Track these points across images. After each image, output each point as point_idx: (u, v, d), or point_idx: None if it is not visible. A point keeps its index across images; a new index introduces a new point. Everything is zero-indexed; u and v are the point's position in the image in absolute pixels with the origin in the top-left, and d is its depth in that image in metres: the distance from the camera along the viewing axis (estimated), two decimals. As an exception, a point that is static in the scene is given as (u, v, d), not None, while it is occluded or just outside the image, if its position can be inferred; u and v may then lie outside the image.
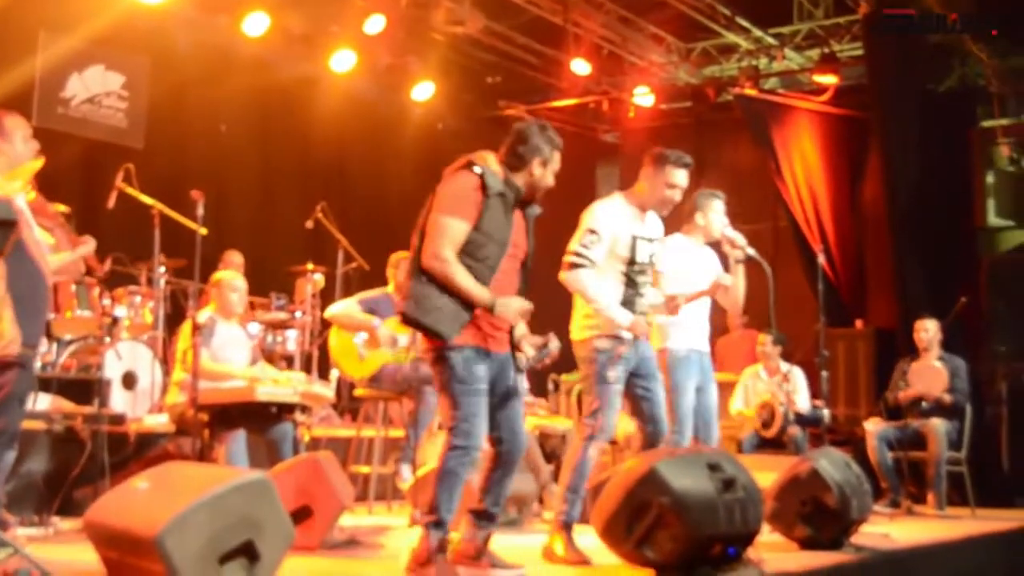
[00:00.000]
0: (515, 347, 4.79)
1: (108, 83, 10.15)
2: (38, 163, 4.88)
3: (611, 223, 5.38)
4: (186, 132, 10.50)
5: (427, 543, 4.48)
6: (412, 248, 4.65)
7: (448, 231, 4.49)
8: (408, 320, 4.57)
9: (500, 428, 4.72)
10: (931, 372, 8.69)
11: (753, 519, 4.91)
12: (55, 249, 5.28)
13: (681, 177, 5.52)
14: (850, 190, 11.51)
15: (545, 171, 4.72)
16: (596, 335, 5.38)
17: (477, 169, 4.59)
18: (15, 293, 4.57)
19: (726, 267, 6.41)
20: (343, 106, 11.43)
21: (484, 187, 4.55)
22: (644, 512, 4.69)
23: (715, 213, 6.36)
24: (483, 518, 4.73)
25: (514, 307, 4.57)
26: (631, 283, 5.41)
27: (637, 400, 5.50)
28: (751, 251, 6.26)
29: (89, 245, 5.38)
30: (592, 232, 5.33)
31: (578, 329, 5.48)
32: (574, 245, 5.34)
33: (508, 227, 4.63)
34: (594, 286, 5.30)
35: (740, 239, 6.22)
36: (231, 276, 7.00)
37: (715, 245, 6.55)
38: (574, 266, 5.30)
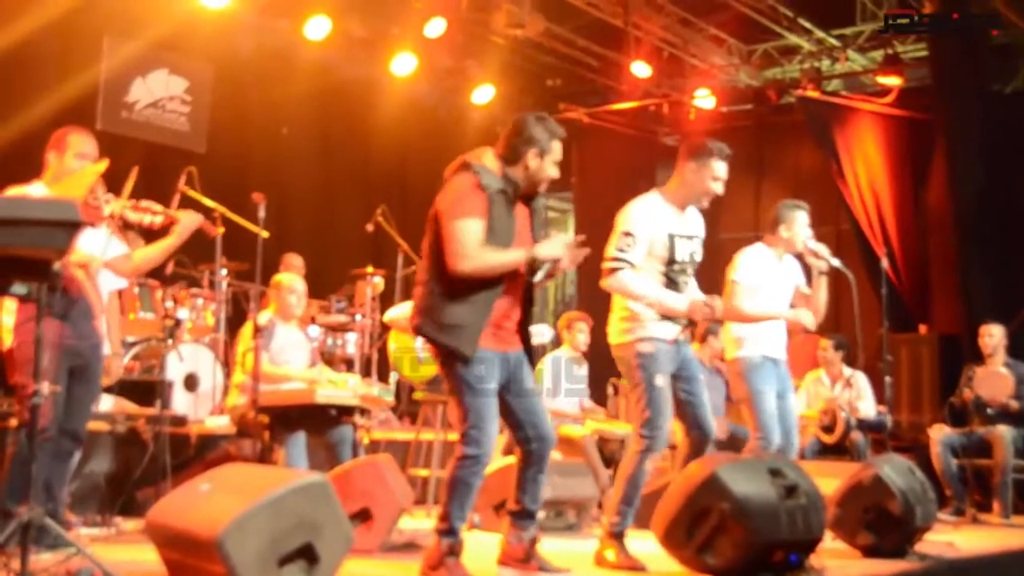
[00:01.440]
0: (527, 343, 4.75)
1: (171, 87, 10.26)
2: (101, 166, 4.93)
3: (647, 223, 5.26)
4: (248, 136, 10.60)
5: (438, 548, 4.50)
6: (423, 254, 4.63)
7: (464, 233, 4.45)
8: (423, 336, 4.56)
9: (524, 427, 4.70)
10: (997, 378, 8.54)
11: (815, 526, 4.86)
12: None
13: (723, 169, 5.38)
14: (913, 193, 11.34)
15: (543, 162, 4.64)
16: (637, 339, 5.26)
17: (474, 168, 4.56)
18: None
19: (809, 277, 6.35)
20: (403, 109, 11.48)
21: (481, 186, 4.52)
22: (705, 517, 4.67)
23: (799, 225, 6.29)
24: (523, 518, 4.73)
25: (558, 244, 4.57)
26: (671, 283, 5.28)
27: (681, 404, 5.37)
28: (836, 262, 6.19)
29: (185, 222, 5.35)
30: (627, 235, 5.22)
31: (616, 333, 5.37)
32: (610, 250, 5.24)
33: (511, 223, 4.59)
34: (638, 283, 5.20)
35: (824, 250, 6.14)
36: (290, 279, 7.04)
37: (799, 255, 6.49)
38: (613, 271, 5.21)
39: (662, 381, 5.24)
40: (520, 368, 4.69)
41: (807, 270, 6.38)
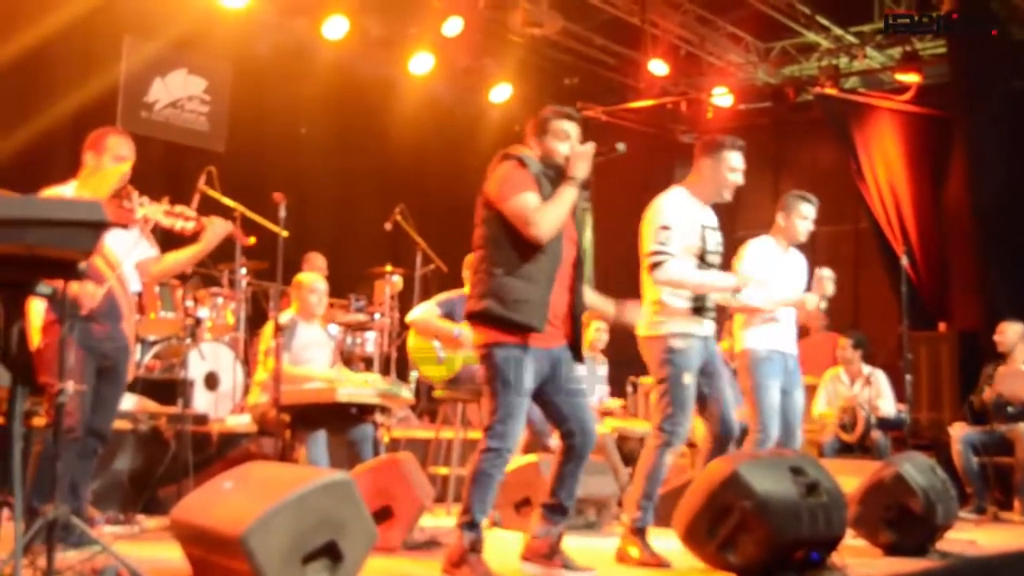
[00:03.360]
0: (575, 342, 4.77)
1: (190, 87, 10.31)
2: (125, 167, 4.96)
3: (680, 215, 5.34)
4: (267, 135, 10.63)
5: (460, 544, 4.51)
6: (476, 246, 4.70)
7: (526, 204, 4.54)
8: (489, 318, 4.55)
9: (568, 421, 4.73)
10: (1018, 376, 8.52)
11: (837, 524, 4.86)
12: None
13: (739, 159, 5.47)
14: (933, 191, 11.29)
15: (551, 140, 4.73)
16: (669, 333, 5.31)
17: (514, 155, 4.68)
18: None
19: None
20: (421, 108, 11.50)
21: (524, 164, 4.64)
22: (727, 515, 4.67)
23: (796, 216, 6.29)
24: (556, 512, 4.74)
25: (585, 154, 4.66)
26: (702, 271, 5.36)
27: (704, 400, 5.41)
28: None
29: (216, 228, 5.39)
30: (664, 228, 5.29)
31: (647, 326, 5.40)
32: (650, 245, 5.29)
33: None
34: (685, 271, 5.27)
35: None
36: (312, 278, 7.07)
37: (801, 247, 6.50)
38: (658, 264, 5.25)
39: (689, 379, 5.27)
40: (564, 363, 4.72)
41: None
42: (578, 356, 4.79)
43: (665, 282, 5.29)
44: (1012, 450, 8.35)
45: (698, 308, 5.35)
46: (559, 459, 4.76)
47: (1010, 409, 8.50)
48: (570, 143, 4.75)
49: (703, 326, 5.39)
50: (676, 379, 5.27)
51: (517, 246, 4.57)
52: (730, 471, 4.71)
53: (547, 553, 4.68)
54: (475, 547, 4.49)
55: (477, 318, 4.61)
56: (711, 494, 4.73)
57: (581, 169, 4.66)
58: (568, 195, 4.63)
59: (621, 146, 4.90)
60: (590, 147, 4.71)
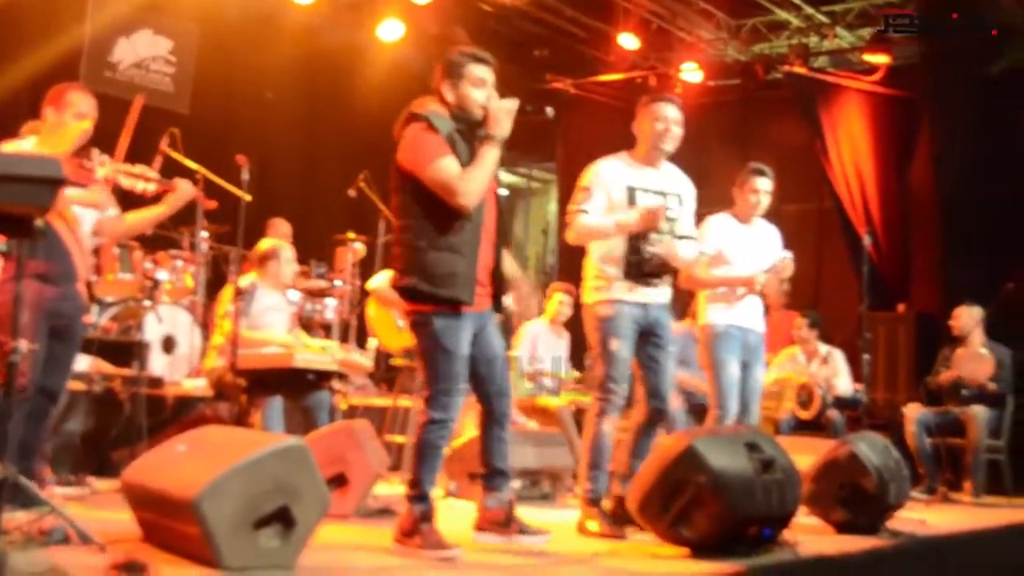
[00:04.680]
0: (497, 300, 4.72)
1: (156, 47, 10.18)
2: (85, 124, 4.89)
3: (602, 177, 5.31)
4: (232, 98, 10.53)
5: (411, 515, 4.47)
6: (398, 218, 4.54)
7: (445, 171, 4.38)
8: (417, 294, 4.44)
9: (488, 384, 4.67)
10: (977, 359, 8.60)
11: (791, 501, 4.89)
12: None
13: (666, 109, 5.38)
14: (897, 172, 11.32)
15: (459, 89, 4.52)
16: (599, 300, 5.29)
17: (421, 115, 4.48)
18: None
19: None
20: (389, 75, 11.38)
21: (433, 128, 4.44)
22: (681, 491, 4.67)
23: (750, 190, 6.30)
24: (495, 478, 4.69)
25: (503, 108, 4.49)
26: (638, 237, 5.29)
27: (642, 370, 5.38)
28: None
29: (180, 191, 5.33)
30: (584, 189, 5.30)
31: (585, 292, 5.42)
32: (571, 205, 5.31)
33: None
34: (591, 220, 5.23)
35: None
36: (286, 247, 7.02)
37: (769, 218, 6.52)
38: (567, 225, 5.31)
39: (618, 345, 5.23)
40: (487, 326, 4.66)
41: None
42: (498, 308, 4.74)
43: (578, 237, 5.29)
44: (964, 432, 8.44)
45: (633, 273, 5.28)
46: (482, 426, 4.72)
47: (965, 392, 8.58)
48: (486, 91, 4.56)
49: (641, 293, 5.32)
50: (605, 345, 5.25)
51: (439, 216, 4.43)
52: (685, 446, 4.71)
53: (502, 521, 4.65)
54: (426, 517, 4.47)
55: (405, 293, 4.50)
56: (666, 469, 4.73)
57: (504, 127, 4.49)
58: (491, 156, 4.46)
59: (549, 110, 4.85)
60: (513, 103, 4.53)
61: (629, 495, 4.93)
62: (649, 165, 5.42)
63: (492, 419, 4.71)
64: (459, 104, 4.54)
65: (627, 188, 5.30)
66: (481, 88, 4.55)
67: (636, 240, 5.29)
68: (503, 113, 4.50)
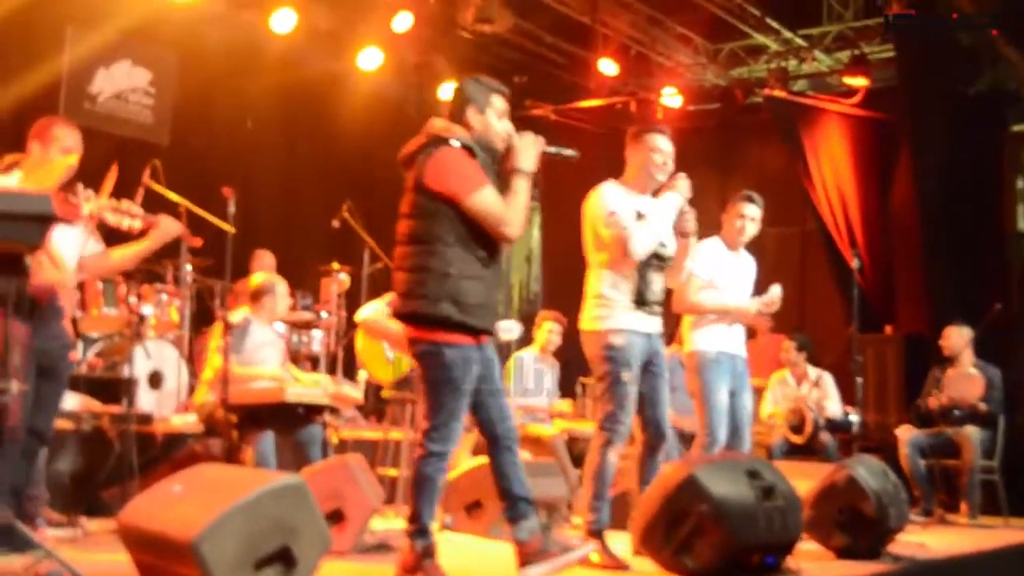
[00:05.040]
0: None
1: (135, 79, 10.10)
2: (71, 159, 4.83)
3: (618, 202, 5.28)
4: (212, 129, 10.45)
5: (413, 551, 4.37)
6: (411, 239, 4.43)
7: (491, 202, 4.35)
8: (443, 321, 4.34)
9: (490, 410, 4.56)
10: (967, 380, 8.60)
11: (793, 528, 4.86)
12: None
13: (661, 142, 5.38)
14: (879, 194, 11.37)
15: (484, 118, 4.50)
16: (609, 329, 5.23)
17: (455, 143, 4.43)
18: None
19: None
20: (370, 104, 11.36)
21: (473, 154, 4.43)
22: (683, 520, 4.63)
23: (737, 216, 6.29)
24: (520, 507, 4.54)
25: (530, 143, 4.50)
26: (646, 266, 5.29)
27: (642, 399, 5.33)
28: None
29: (165, 228, 5.29)
30: (613, 213, 5.24)
31: (589, 320, 5.33)
32: (608, 231, 5.22)
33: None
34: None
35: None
36: (280, 282, 6.96)
37: (750, 248, 6.50)
38: (627, 239, 5.17)
39: (628, 376, 5.20)
40: (493, 361, 4.60)
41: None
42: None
43: (642, 252, 5.20)
44: (958, 453, 8.43)
45: (640, 302, 5.26)
46: (491, 453, 4.59)
47: (957, 412, 8.57)
48: (506, 123, 4.55)
49: (646, 322, 5.30)
50: (615, 376, 5.19)
51: (471, 244, 4.38)
52: (686, 475, 4.67)
53: (541, 549, 4.48)
54: (428, 553, 4.38)
55: (427, 321, 4.37)
56: (667, 499, 4.69)
57: (530, 160, 4.48)
58: (523, 189, 4.45)
59: (572, 152, 4.82)
60: (541, 140, 4.55)
61: (631, 525, 4.88)
62: (643, 193, 5.42)
63: (501, 445, 4.57)
64: (483, 133, 4.51)
65: (636, 213, 5.28)
66: (504, 119, 4.56)
67: (646, 269, 5.27)
68: (529, 146, 4.50)
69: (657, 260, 5.35)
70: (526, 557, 4.47)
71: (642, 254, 5.22)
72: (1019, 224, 10.71)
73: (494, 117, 4.53)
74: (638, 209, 5.31)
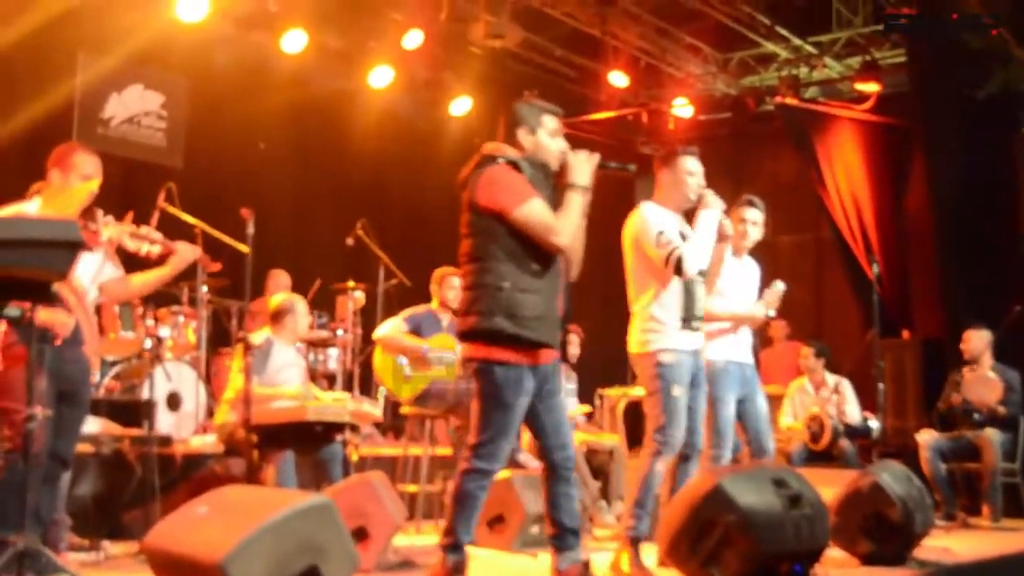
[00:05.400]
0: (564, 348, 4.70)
1: (147, 103, 10.14)
2: (92, 185, 4.85)
3: (662, 220, 5.32)
4: (225, 150, 10.46)
5: (444, 565, 4.38)
6: (469, 258, 4.51)
7: (539, 213, 4.40)
8: (499, 336, 4.38)
9: (551, 436, 4.59)
10: (985, 383, 8.56)
11: (820, 535, 4.83)
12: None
13: (694, 163, 5.45)
14: (893, 199, 11.37)
15: (536, 137, 4.56)
16: (659, 349, 5.28)
17: (500, 158, 4.51)
18: None
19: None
20: (381, 122, 11.38)
21: (519, 169, 4.48)
22: (710, 530, 4.60)
23: (738, 221, 6.18)
24: (564, 537, 4.54)
25: (583, 158, 4.56)
26: (692, 281, 5.35)
27: None
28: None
29: (183, 254, 5.33)
30: (661, 233, 5.26)
31: (638, 343, 5.37)
32: (658, 251, 5.23)
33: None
34: (694, 246, 5.25)
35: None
36: (300, 300, 6.98)
37: (755, 254, 6.48)
38: (679, 259, 5.17)
39: (679, 391, 5.26)
40: (554, 377, 4.61)
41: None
42: (563, 359, 4.72)
43: (695, 270, 5.26)
44: (979, 456, 8.39)
45: (686, 320, 5.33)
46: (547, 481, 4.60)
47: (976, 416, 8.53)
48: (562, 142, 4.61)
49: (692, 339, 5.37)
50: (666, 391, 5.24)
51: (523, 258, 4.43)
52: (712, 485, 4.65)
53: None
54: (459, 569, 4.38)
55: (482, 336, 4.42)
56: (694, 509, 4.66)
57: (584, 175, 4.53)
58: (576, 202, 4.49)
59: (632, 166, 4.88)
60: (596, 156, 4.60)
61: (658, 537, 4.87)
62: (676, 212, 5.49)
63: (556, 475, 4.58)
64: (534, 152, 4.57)
65: (680, 234, 5.34)
66: (558, 138, 4.61)
67: (692, 284, 5.34)
68: (583, 162, 4.54)
69: (699, 275, 5.40)
70: None
71: (695, 272, 5.27)
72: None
73: (546, 136, 4.59)
74: (680, 229, 5.38)
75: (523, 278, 4.42)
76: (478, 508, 4.46)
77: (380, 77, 10.92)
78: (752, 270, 6.44)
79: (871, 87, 11.04)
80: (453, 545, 4.40)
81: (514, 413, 4.43)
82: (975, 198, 10.13)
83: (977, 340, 8.70)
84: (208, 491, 4.29)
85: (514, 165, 4.49)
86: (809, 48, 11.59)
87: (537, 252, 4.44)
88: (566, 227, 4.43)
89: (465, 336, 4.51)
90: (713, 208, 5.37)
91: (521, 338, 4.39)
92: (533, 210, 4.39)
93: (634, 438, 7.69)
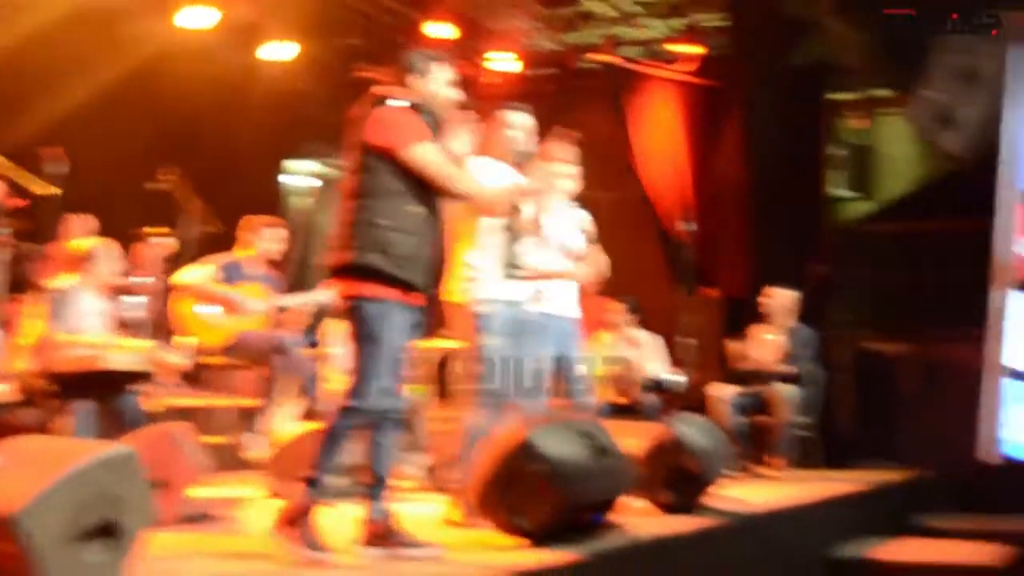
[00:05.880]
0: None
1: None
2: None
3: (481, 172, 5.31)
4: (29, 90, 9.98)
5: (301, 501, 4.34)
6: (350, 194, 4.47)
7: (434, 156, 4.41)
8: (371, 272, 4.35)
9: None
10: (763, 343, 8.97)
11: (621, 486, 4.96)
12: None
13: (519, 118, 5.61)
14: (706, 160, 11.60)
15: (427, 84, 4.54)
16: (475, 299, 5.33)
17: (395, 102, 4.48)
18: None
19: None
20: (198, 65, 11.02)
21: (418, 110, 4.48)
22: (519, 481, 4.67)
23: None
24: (376, 487, 4.54)
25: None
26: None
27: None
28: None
29: None
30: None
31: (455, 290, 5.39)
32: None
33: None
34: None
35: None
36: (110, 245, 6.75)
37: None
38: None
39: (496, 342, 5.35)
40: (418, 323, 4.60)
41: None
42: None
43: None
44: (770, 410, 8.73)
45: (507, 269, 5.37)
46: (373, 432, 4.55)
47: (764, 373, 8.90)
48: (450, 90, 4.61)
49: (511, 289, 5.42)
50: (484, 342, 5.32)
51: (406, 197, 4.41)
52: (522, 437, 4.72)
53: (384, 534, 4.47)
54: (313, 504, 4.34)
55: (353, 271, 4.39)
56: (504, 461, 4.72)
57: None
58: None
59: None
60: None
61: (469, 487, 4.92)
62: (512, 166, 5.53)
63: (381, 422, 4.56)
64: (424, 99, 4.53)
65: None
66: (448, 87, 4.60)
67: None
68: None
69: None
70: (370, 537, 4.48)
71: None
72: (835, 190, 11.13)
73: (436, 85, 4.57)
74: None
75: (403, 218, 4.40)
76: (341, 445, 4.43)
77: (198, 18, 10.56)
78: (577, 219, 6.45)
79: (692, 49, 11.22)
80: (313, 480, 4.36)
81: (384, 348, 4.38)
82: (789, 163, 10.49)
83: (778, 298, 9.03)
84: (2, 441, 4.11)
85: (413, 106, 4.48)
86: (632, 7, 11.67)
87: (420, 194, 4.45)
88: (474, 184, 4.59)
89: (337, 272, 4.48)
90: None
91: (393, 276, 4.37)
92: (425, 153, 4.40)
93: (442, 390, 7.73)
